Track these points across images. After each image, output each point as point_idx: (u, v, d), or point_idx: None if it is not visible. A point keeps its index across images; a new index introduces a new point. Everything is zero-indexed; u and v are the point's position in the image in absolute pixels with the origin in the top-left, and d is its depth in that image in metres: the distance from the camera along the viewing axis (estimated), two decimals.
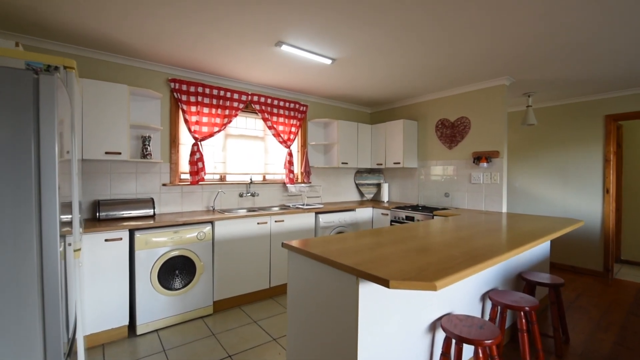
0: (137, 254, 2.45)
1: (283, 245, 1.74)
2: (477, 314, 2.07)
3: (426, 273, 1.21)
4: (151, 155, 2.95)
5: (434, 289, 1.11)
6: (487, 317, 2.18)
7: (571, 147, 4.31)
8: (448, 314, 1.78)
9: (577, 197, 4.24)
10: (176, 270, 2.63)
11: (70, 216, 1.39)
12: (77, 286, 1.48)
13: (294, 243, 1.70)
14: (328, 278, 1.46)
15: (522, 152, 4.80)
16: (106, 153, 2.55)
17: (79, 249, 1.51)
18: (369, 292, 1.33)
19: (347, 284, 1.35)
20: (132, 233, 2.49)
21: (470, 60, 2.89)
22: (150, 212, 2.84)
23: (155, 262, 2.53)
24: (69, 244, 1.33)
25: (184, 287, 2.67)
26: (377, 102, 4.62)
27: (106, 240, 2.32)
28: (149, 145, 2.94)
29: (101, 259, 2.31)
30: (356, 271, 1.26)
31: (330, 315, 1.44)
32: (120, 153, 2.61)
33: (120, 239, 2.38)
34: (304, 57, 2.84)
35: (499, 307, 2.05)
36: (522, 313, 1.87)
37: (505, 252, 1.57)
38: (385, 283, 1.13)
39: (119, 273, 2.39)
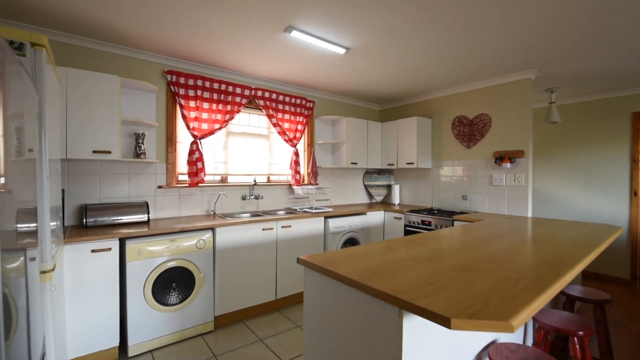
0: (129, 265, 2.17)
1: (298, 261, 1.47)
2: (519, 338, 1.80)
3: (491, 306, 0.94)
4: (145, 154, 2.67)
5: (511, 330, 0.84)
6: (530, 341, 1.91)
7: (596, 146, 4.04)
8: (494, 342, 1.51)
9: (602, 200, 3.97)
10: (173, 283, 2.36)
11: (35, 224, 1.11)
12: (47, 314, 1.20)
13: (311, 259, 1.43)
14: (358, 305, 1.18)
15: (543, 151, 4.52)
16: (94, 152, 2.27)
17: (51, 270, 1.23)
18: (412, 325, 1.06)
19: (385, 316, 1.07)
20: (122, 242, 2.21)
21: (494, 50, 2.62)
22: (144, 217, 2.56)
23: (150, 275, 2.25)
24: (32, 259, 1.04)
25: (181, 301, 2.39)
26: (388, 98, 4.34)
27: (93, 251, 2.04)
28: (142, 143, 2.66)
29: (87, 273, 2.03)
30: (400, 302, 0.99)
31: (362, 351, 1.17)
32: (110, 152, 2.33)
33: (109, 249, 2.10)
34: (315, 46, 2.57)
35: (543, 329, 1.78)
36: (575, 339, 1.60)
37: (569, 270, 1.30)
38: (445, 322, 0.86)
39: (108, 288, 2.10)
